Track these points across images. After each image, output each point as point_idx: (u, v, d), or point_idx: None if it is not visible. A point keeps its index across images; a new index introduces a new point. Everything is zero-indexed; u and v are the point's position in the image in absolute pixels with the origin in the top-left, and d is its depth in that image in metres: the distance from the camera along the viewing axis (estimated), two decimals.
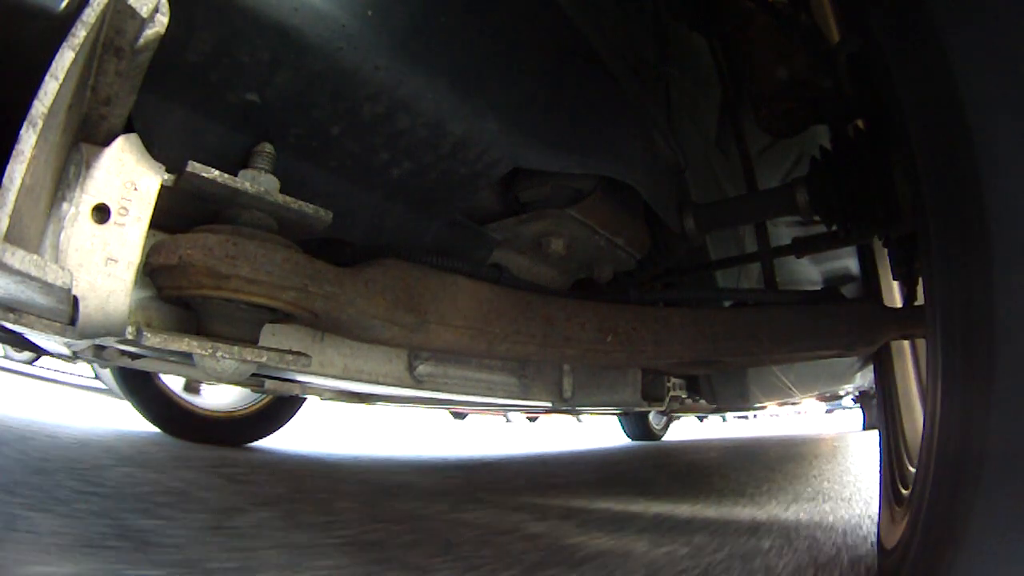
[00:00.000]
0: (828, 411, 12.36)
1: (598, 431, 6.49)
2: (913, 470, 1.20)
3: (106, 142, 0.59)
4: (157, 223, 0.70)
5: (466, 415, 6.38)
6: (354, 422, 5.92)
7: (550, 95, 0.97)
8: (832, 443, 4.99)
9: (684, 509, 1.75)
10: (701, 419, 8.99)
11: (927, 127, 0.57)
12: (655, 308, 1.26)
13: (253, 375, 1.09)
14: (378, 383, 1.10)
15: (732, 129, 1.57)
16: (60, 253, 0.55)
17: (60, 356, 1.09)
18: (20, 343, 1.10)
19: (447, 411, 3.69)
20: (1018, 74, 0.47)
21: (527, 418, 8.15)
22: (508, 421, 8.58)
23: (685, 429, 8.13)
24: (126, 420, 2.44)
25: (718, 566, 1.09)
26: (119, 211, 0.59)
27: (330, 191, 0.85)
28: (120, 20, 0.49)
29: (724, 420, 11.88)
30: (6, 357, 4.73)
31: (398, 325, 0.89)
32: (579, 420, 8.62)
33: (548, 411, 2.36)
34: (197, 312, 0.74)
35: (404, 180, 0.89)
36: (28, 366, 4.86)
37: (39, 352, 1.30)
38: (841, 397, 6.58)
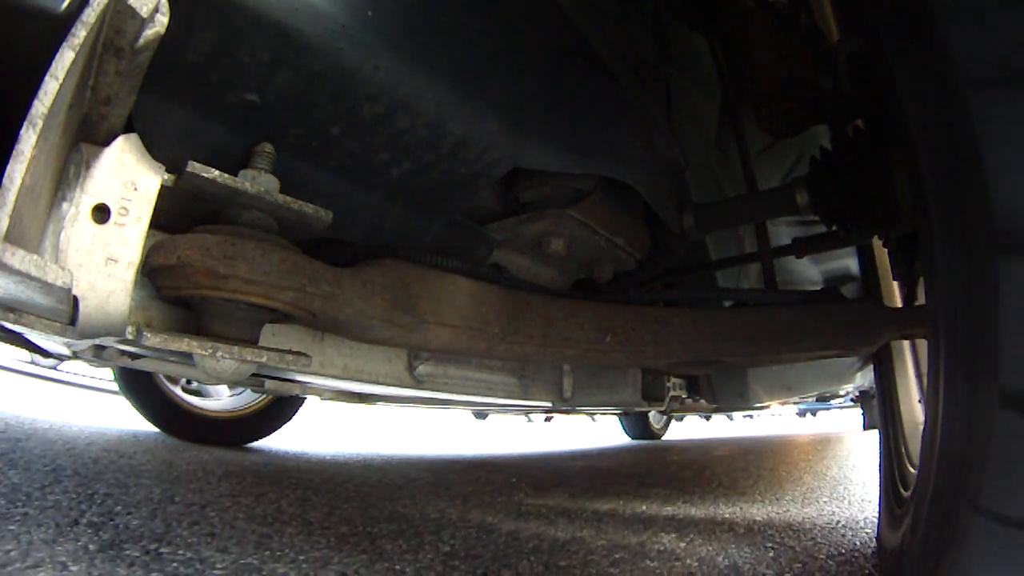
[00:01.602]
0: (799, 414, 10.70)
1: (610, 429, 6.64)
2: (913, 471, 1.20)
3: (106, 142, 0.59)
4: (157, 223, 0.70)
5: (487, 415, 6.39)
6: (375, 422, 6.05)
7: (550, 95, 0.97)
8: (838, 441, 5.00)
9: (648, 505, 1.75)
10: (707, 418, 8.95)
11: (929, 125, 0.57)
12: (654, 308, 1.26)
13: (253, 375, 1.09)
14: (378, 383, 1.10)
15: (732, 129, 1.56)
16: (60, 253, 0.55)
17: (83, 359, 1.11)
18: (24, 345, 1.10)
19: (469, 411, 3.80)
20: (1021, 71, 0.47)
21: (544, 418, 8.18)
22: (529, 421, 8.60)
23: (685, 428, 8.16)
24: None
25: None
26: (119, 211, 0.59)
27: (330, 191, 0.85)
28: (120, 20, 0.49)
29: (731, 419, 11.83)
30: (32, 363, 4.76)
31: (396, 325, 0.89)
32: (593, 419, 8.64)
33: (550, 411, 2.36)
34: (197, 312, 0.74)
35: (404, 180, 0.89)
36: (53, 371, 4.90)
37: (60, 357, 1.34)
38: (814, 400, 6.54)
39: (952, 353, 0.57)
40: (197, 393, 2.50)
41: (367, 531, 1.27)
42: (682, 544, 1.30)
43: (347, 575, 0.98)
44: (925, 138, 0.58)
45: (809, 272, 2.37)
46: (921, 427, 1.33)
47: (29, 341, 0.96)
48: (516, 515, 1.57)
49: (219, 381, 1.44)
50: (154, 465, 1.75)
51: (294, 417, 2.71)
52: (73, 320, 0.58)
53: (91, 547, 0.96)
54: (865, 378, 3.12)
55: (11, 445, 1.72)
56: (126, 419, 2.81)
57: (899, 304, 1.49)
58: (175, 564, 0.94)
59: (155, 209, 0.62)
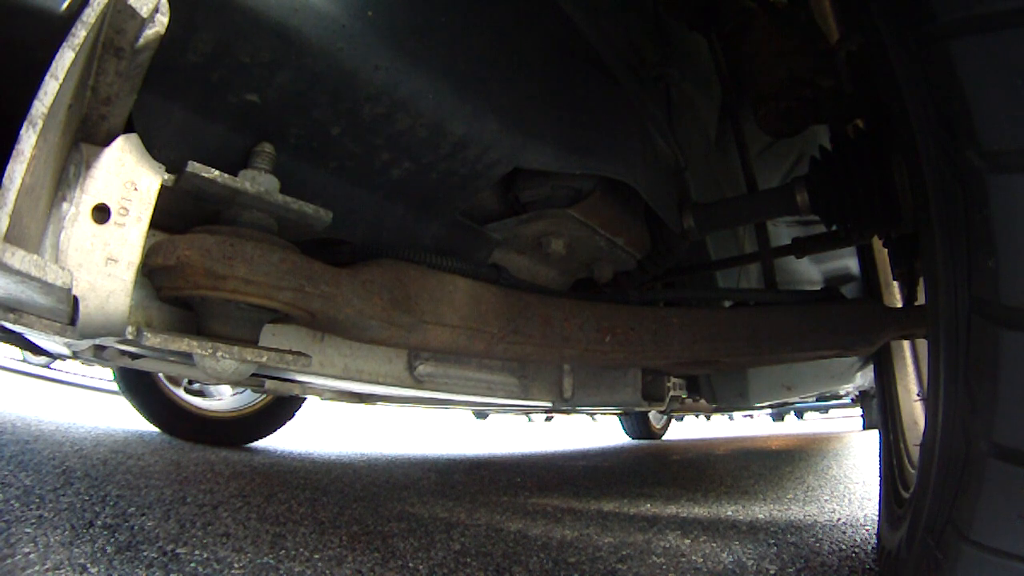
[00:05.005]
0: (773, 417, 10.97)
1: (611, 429, 6.67)
2: (913, 471, 1.20)
3: (106, 142, 0.59)
4: (157, 223, 0.70)
5: (487, 414, 6.41)
6: (375, 422, 6.08)
7: (550, 95, 0.97)
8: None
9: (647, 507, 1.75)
10: (708, 417, 8.96)
11: (931, 124, 0.57)
12: (654, 308, 1.26)
13: (253, 375, 1.09)
14: (378, 383, 1.10)
15: (732, 129, 1.56)
16: (60, 253, 0.55)
17: (83, 359, 1.12)
18: (20, 343, 1.10)
19: (469, 411, 3.82)
20: (1022, 70, 0.46)
21: (545, 418, 8.22)
22: (530, 420, 8.64)
23: (685, 428, 8.16)
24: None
25: None
26: (119, 211, 0.59)
27: (330, 191, 0.85)
28: (120, 20, 0.49)
29: (731, 419, 11.84)
30: (24, 361, 4.76)
31: (395, 325, 0.89)
32: (593, 419, 8.67)
33: (550, 411, 2.37)
34: (197, 312, 0.74)
35: (404, 180, 0.89)
36: (49, 370, 4.90)
37: (52, 355, 1.34)
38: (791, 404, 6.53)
39: (952, 351, 0.57)
40: (199, 393, 2.50)
41: (378, 530, 1.28)
42: (687, 541, 1.31)
43: (362, 573, 0.99)
44: (927, 136, 0.58)
45: (809, 272, 2.37)
46: (921, 426, 1.33)
47: (24, 338, 0.96)
48: (523, 514, 1.58)
49: (219, 381, 1.45)
50: (162, 466, 1.75)
51: (294, 417, 2.71)
52: (73, 320, 0.58)
53: (108, 549, 0.97)
54: (865, 378, 3.12)
55: (20, 447, 1.72)
56: (129, 419, 2.82)
57: (899, 304, 1.49)
58: (193, 564, 0.94)
59: (155, 209, 0.62)
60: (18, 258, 0.42)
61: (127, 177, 0.60)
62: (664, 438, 5.45)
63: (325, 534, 1.21)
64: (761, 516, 1.64)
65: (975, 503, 0.53)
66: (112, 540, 1.00)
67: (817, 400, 6.58)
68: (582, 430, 7.32)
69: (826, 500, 1.94)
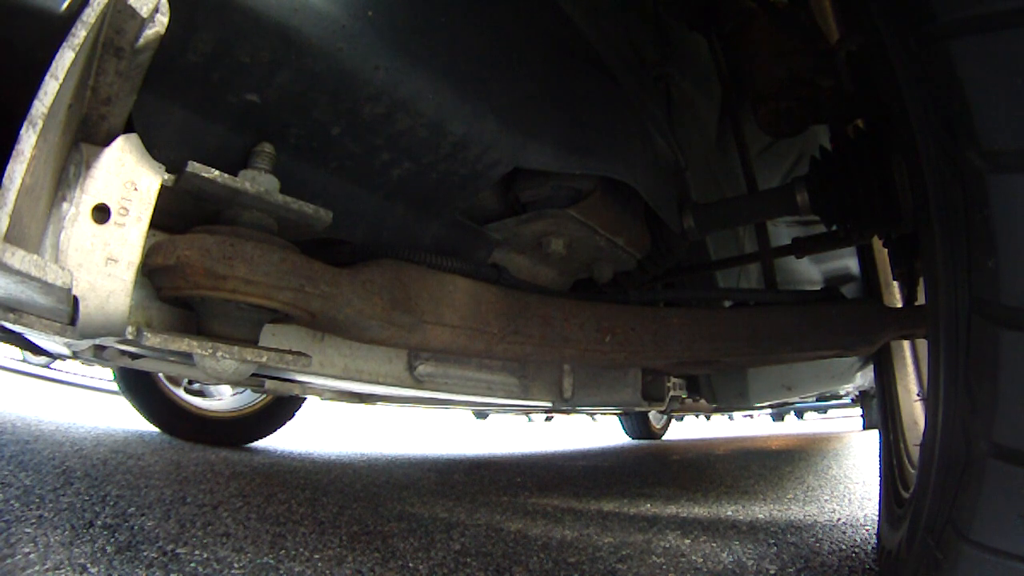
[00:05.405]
0: (773, 417, 11.03)
1: (611, 429, 6.68)
2: (913, 471, 1.20)
3: (106, 142, 0.59)
4: (157, 223, 0.70)
5: (487, 414, 6.42)
6: (375, 422, 6.08)
7: (550, 95, 0.97)
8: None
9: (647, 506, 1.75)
10: (708, 417, 8.97)
11: (931, 124, 0.57)
12: (654, 308, 1.26)
13: (253, 375, 1.09)
14: (378, 383, 1.10)
15: (732, 129, 1.56)
16: (60, 253, 0.55)
17: (82, 359, 1.12)
18: (20, 343, 1.10)
19: (469, 411, 3.82)
20: (1022, 70, 0.46)
21: (545, 418, 8.24)
22: (530, 420, 8.65)
23: (685, 428, 8.17)
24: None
25: None
26: (119, 211, 0.59)
27: (330, 191, 0.85)
28: (120, 20, 0.49)
29: (731, 419, 11.86)
30: (24, 361, 4.77)
31: (395, 325, 0.89)
32: (593, 419, 8.69)
33: (550, 411, 2.37)
34: (197, 312, 0.74)
35: (404, 180, 0.89)
36: (49, 370, 4.91)
37: (52, 355, 1.34)
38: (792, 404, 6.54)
39: (952, 351, 0.57)
40: (199, 393, 2.50)
41: (378, 530, 1.29)
42: (687, 541, 1.31)
43: (362, 573, 0.99)
44: (927, 136, 0.58)
45: (809, 272, 2.37)
46: (921, 426, 1.33)
47: (24, 338, 0.96)
48: (523, 514, 1.58)
49: (219, 381, 1.45)
50: (162, 466, 1.76)
51: (294, 417, 2.71)
52: (73, 320, 0.58)
53: (108, 549, 0.97)
54: (865, 378, 3.12)
55: (20, 447, 1.72)
56: (129, 419, 2.82)
57: (899, 304, 1.49)
58: (193, 564, 0.95)
59: (155, 209, 0.62)
60: (18, 258, 0.42)
61: (127, 177, 0.60)
62: (664, 438, 5.45)
63: (325, 534, 1.21)
64: (761, 516, 1.64)
65: (975, 503, 0.53)
66: (112, 540, 1.01)
67: (817, 400, 6.58)
68: (582, 430, 7.33)
69: (826, 500, 1.94)
